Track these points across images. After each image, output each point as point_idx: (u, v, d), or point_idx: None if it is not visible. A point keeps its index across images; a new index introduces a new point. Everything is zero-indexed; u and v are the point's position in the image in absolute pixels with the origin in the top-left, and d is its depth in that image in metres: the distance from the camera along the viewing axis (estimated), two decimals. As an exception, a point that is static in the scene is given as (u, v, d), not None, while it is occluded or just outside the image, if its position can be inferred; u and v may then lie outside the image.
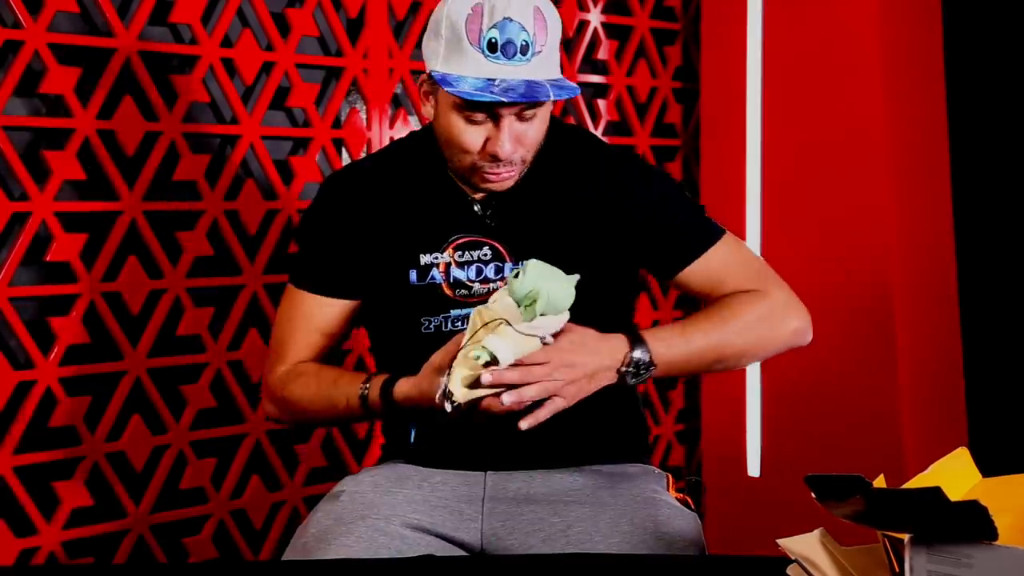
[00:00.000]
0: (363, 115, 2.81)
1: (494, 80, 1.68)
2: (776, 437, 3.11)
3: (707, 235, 1.87)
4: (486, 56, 1.69)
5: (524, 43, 1.69)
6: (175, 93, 2.52)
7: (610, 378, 1.70)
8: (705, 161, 3.29)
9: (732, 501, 3.18)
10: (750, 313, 1.80)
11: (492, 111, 1.71)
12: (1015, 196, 3.10)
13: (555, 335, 1.65)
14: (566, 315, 1.66)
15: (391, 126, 2.84)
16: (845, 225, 2.98)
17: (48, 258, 2.37)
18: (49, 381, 2.37)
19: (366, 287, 1.89)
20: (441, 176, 1.86)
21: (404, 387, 1.74)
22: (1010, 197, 3.11)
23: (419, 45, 2.83)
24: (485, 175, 1.77)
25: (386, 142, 2.82)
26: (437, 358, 1.66)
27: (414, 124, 2.88)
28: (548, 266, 1.65)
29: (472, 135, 1.74)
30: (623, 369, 1.70)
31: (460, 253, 1.83)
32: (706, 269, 1.86)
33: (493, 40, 1.69)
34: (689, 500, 1.87)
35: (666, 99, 3.36)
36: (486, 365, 1.58)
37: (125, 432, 2.48)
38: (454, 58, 1.71)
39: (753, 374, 3.13)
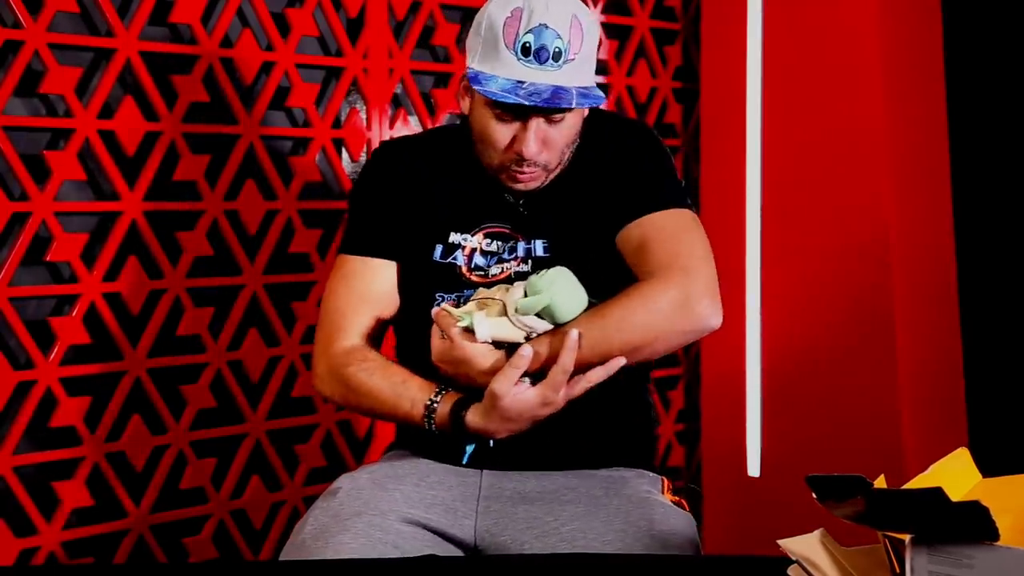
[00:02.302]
0: (363, 115, 2.81)
1: (523, 83, 1.75)
2: (776, 437, 3.11)
3: (659, 199, 1.86)
4: (519, 59, 1.76)
5: (557, 50, 1.76)
6: (175, 93, 2.52)
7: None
8: (705, 161, 3.28)
9: (732, 501, 3.18)
10: (637, 309, 1.74)
11: (521, 112, 1.78)
12: (1015, 196, 3.10)
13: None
14: (549, 326, 1.74)
15: (391, 126, 2.84)
16: (845, 225, 2.98)
17: (48, 258, 2.37)
18: (49, 381, 2.37)
19: (401, 253, 1.93)
20: (477, 166, 1.91)
21: (478, 416, 1.75)
22: (1010, 197, 3.11)
23: (419, 45, 2.88)
24: (512, 174, 1.85)
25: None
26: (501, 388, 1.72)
27: (414, 124, 2.88)
28: (572, 280, 1.74)
29: (500, 133, 1.81)
30: None
31: (488, 241, 1.89)
32: (638, 232, 1.83)
33: (527, 44, 1.76)
34: (684, 503, 1.87)
35: (666, 99, 3.36)
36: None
37: (125, 432, 2.48)
38: (489, 58, 1.78)
39: (753, 374, 3.13)
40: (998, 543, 1.14)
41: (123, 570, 2.17)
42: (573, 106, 1.76)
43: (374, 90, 2.81)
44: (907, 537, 1.19)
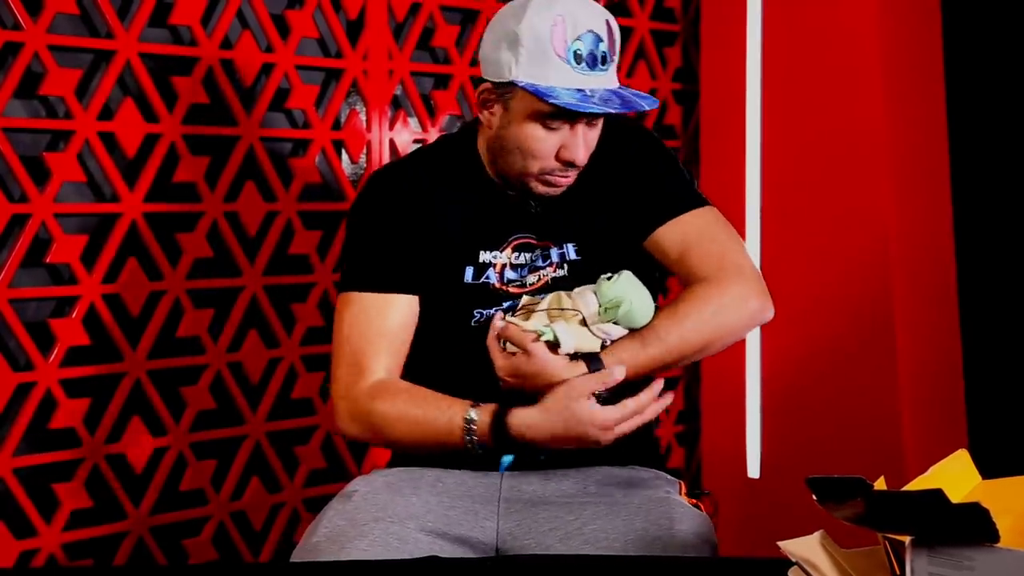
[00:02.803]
0: (363, 117, 2.81)
1: (584, 90, 1.76)
2: (776, 438, 3.11)
3: (685, 200, 1.90)
4: (574, 67, 1.76)
5: (603, 54, 1.78)
6: (175, 95, 2.52)
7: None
8: (705, 162, 3.28)
9: (732, 503, 3.18)
10: (704, 308, 1.80)
11: (572, 118, 1.78)
12: (1015, 196, 3.10)
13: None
14: (625, 331, 1.78)
15: (391, 128, 2.84)
16: (845, 225, 2.98)
17: (48, 260, 2.37)
18: (49, 383, 2.37)
19: (422, 282, 1.90)
20: (483, 178, 1.91)
21: (524, 418, 1.73)
22: (1010, 197, 3.11)
23: (419, 47, 2.88)
24: (551, 179, 1.84)
25: (386, 144, 2.82)
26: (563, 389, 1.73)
27: (414, 125, 2.88)
28: (638, 283, 1.78)
29: (549, 142, 1.80)
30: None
31: (517, 255, 1.89)
32: (676, 235, 1.87)
33: (578, 52, 1.76)
34: (701, 506, 1.88)
35: (666, 100, 3.36)
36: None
37: (125, 434, 2.48)
38: (539, 69, 1.76)
39: (753, 375, 3.13)
40: (998, 545, 1.14)
41: (123, 572, 2.18)
42: (645, 108, 1.79)
43: (374, 92, 2.80)
44: (907, 539, 1.19)
